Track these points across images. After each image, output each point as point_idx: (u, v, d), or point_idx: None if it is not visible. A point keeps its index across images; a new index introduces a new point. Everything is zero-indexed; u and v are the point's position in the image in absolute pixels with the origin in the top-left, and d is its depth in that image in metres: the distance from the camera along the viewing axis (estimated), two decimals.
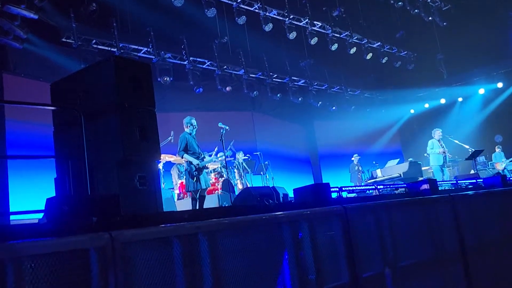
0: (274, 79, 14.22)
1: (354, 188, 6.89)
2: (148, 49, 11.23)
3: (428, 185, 4.62)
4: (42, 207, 2.43)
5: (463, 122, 16.62)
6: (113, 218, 2.31)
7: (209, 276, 2.45)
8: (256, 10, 11.93)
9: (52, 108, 4.39)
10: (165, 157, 9.65)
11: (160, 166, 9.66)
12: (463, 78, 16.77)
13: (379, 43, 15.21)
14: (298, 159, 16.50)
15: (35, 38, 9.46)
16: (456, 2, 15.32)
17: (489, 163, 14.31)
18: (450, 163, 12.62)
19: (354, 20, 14.28)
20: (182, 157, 7.73)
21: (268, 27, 11.90)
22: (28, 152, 8.95)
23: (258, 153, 12.19)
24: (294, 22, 12.83)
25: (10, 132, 8.91)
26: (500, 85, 16.34)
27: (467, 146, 11.84)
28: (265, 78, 13.92)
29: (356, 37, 14.34)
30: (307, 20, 13.05)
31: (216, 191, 9.67)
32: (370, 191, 7.15)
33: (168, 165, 10.58)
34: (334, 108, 16.19)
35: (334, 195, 4.55)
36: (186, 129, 7.77)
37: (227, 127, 8.37)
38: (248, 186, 10.69)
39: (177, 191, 10.08)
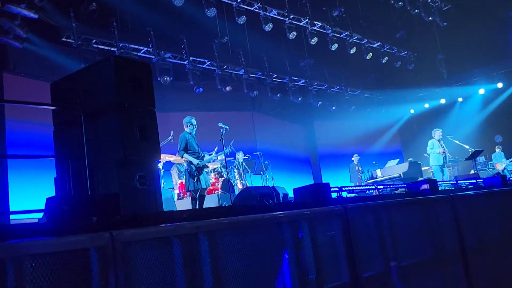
0: (274, 79, 14.22)
1: (354, 188, 6.89)
2: (148, 49, 11.23)
3: (428, 185, 4.62)
4: (42, 206, 2.43)
5: (463, 122, 16.62)
6: (113, 218, 2.31)
7: (209, 275, 2.44)
8: (256, 10, 11.93)
9: (52, 107, 4.39)
10: (165, 157, 9.66)
11: (160, 166, 9.66)
12: (463, 78, 16.77)
13: (379, 43, 15.21)
14: (298, 159, 16.50)
15: (35, 37, 9.46)
16: (456, 2, 15.32)
17: (489, 163, 14.32)
18: (450, 163, 12.63)
19: (354, 20, 14.28)
20: (182, 157, 7.74)
21: (268, 27, 11.90)
22: (28, 152, 8.95)
23: (258, 153, 12.19)
24: (294, 22, 12.83)
25: (10, 131, 8.91)
26: (500, 85, 16.34)
27: (467, 146, 11.84)
28: (265, 78, 13.92)
29: (356, 37, 14.34)
30: (307, 20, 13.05)
31: (216, 191, 9.67)
32: (370, 191, 7.14)
33: (168, 165, 10.58)
34: (334, 108, 16.18)
35: (334, 195, 4.55)
36: (186, 129, 7.77)
37: (227, 127, 8.37)
38: (248, 186, 10.69)
39: (177, 191, 10.08)
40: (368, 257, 3.43)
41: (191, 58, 12.03)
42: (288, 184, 7.08)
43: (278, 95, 14.18)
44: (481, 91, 16.77)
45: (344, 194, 5.26)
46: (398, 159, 13.94)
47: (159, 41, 11.31)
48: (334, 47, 13.58)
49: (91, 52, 10.10)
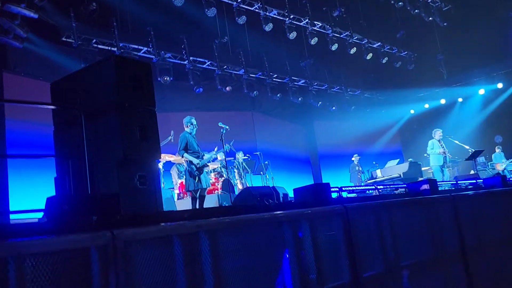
0: (274, 79, 14.22)
1: (354, 188, 6.90)
2: (148, 49, 11.23)
3: (428, 185, 4.62)
4: (42, 206, 2.43)
5: (463, 122, 16.61)
6: (113, 217, 2.31)
7: (210, 275, 2.44)
8: (256, 10, 11.93)
9: (52, 107, 4.39)
10: (165, 157, 9.66)
11: (160, 165, 9.66)
12: (463, 78, 16.77)
13: (379, 43, 15.22)
14: (298, 159, 16.49)
15: (35, 37, 9.45)
16: (456, 2, 15.33)
17: (489, 163, 14.31)
18: (450, 164, 12.62)
19: (354, 20, 14.28)
20: (182, 157, 7.73)
21: (268, 27, 11.90)
22: (28, 151, 8.94)
23: (258, 153, 12.19)
24: (294, 22, 12.83)
25: (10, 131, 8.90)
26: (500, 85, 16.33)
27: (467, 147, 11.84)
28: (265, 78, 13.91)
29: (356, 37, 14.34)
30: (307, 20, 13.05)
31: (216, 191, 9.67)
32: (370, 191, 7.14)
33: (168, 165, 10.58)
34: (334, 108, 16.18)
35: (334, 195, 4.55)
36: (186, 129, 7.77)
37: (227, 127, 8.37)
38: (248, 186, 10.68)
39: (177, 191, 10.08)
40: (368, 256, 3.43)
41: (191, 58, 12.02)
42: (288, 184, 7.08)
43: (278, 95, 14.17)
44: (481, 91, 16.77)
45: (344, 194, 5.26)
46: (398, 159, 13.95)
47: (159, 41, 11.31)
48: (334, 47, 13.59)
49: (91, 52, 10.09)
